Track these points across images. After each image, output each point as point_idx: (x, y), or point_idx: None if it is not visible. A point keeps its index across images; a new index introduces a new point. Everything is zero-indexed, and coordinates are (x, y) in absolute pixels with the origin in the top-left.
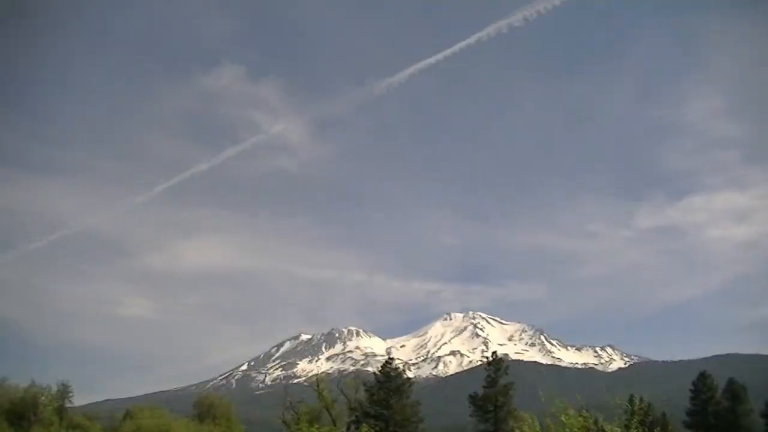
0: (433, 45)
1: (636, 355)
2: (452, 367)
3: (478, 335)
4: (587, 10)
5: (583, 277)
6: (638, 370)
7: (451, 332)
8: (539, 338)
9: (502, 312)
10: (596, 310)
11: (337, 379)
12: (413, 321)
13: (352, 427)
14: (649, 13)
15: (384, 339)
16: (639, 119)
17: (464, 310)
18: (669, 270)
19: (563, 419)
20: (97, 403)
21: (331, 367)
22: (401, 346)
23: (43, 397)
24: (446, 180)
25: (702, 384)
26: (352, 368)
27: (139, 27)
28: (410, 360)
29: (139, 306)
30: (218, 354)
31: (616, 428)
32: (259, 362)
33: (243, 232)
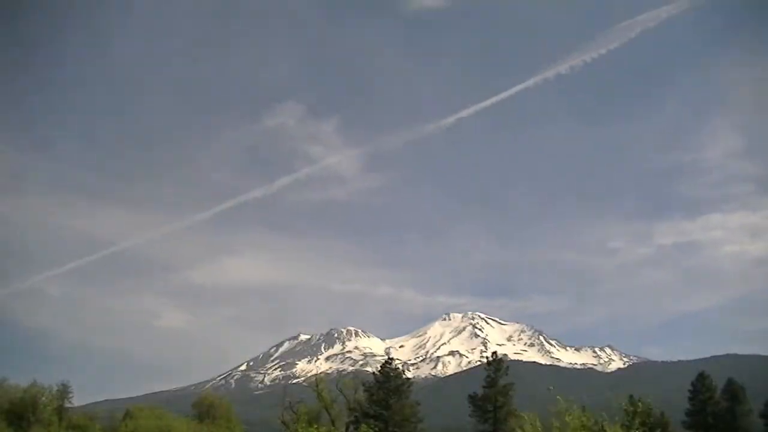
0: (482, 90)
1: (635, 356)
2: (451, 367)
3: (477, 335)
4: (624, 62)
5: (601, 290)
6: (637, 371)
7: (450, 332)
8: (538, 338)
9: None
10: (610, 321)
11: (336, 379)
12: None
13: (351, 427)
14: (678, 67)
15: (383, 339)
16: (662, 159)
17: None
18: (683, 283)
19: (566, 419)
20: (96, 403)
21: (330, 368)
22: (400, 347)
23: (43, 398)
24: (481, 204)
25: (701, 384)
26: (351, 368)
27: (208, 68)
28: (409, 360)
29: (175, 317)
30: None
31: (618, 428)
32: (258, 362)
33: (284, 252)
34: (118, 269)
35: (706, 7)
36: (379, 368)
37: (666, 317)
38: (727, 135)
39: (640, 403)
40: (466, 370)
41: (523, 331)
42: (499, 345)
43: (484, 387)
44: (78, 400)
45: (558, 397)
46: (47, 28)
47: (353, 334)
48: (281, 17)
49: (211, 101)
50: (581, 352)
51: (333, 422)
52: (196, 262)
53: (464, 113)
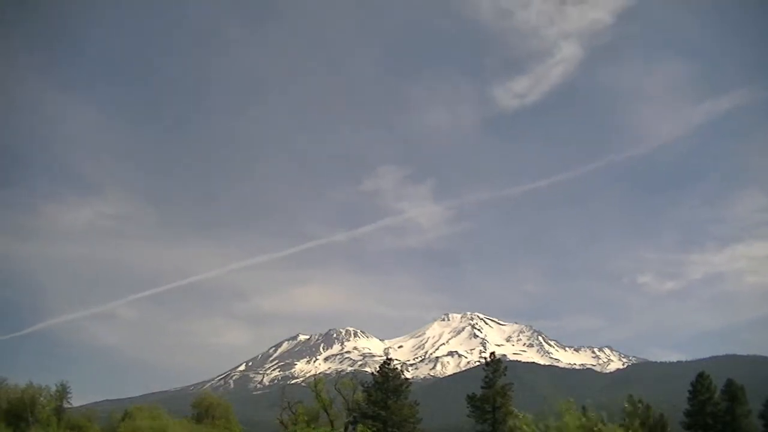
0: (557, 166)
1: (634, 356)
2: (450, 367)
3: (476, 336)
4: (682, 147)
5: (630, 315)
6: (636, 371)
7: (449, 333)
8: (537, 339)
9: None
10: (627, 338)
11: (335, 379)
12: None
13: (350, 427)
14: (712, 150)
15: (382, 339)
16: (698, 220)
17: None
18: (706, 310)
19: (565, 420)
20: (96, 403)
21: (329, 368)
22: (399, 347)
23: (42, 398)
24: (536, 243)
25: (700, 385)
26: (349, 369)
27: (316, 137)
28: (408, 360)
29: (236, 337)
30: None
31: (617, 428)
32: (257, 363)
33: (348, 284)
34: (194, 296)
35: (748, 106)
36: (378, 369)
37: (681, 335)
38: (754, 196)
39: (639, 404)
40: (465, 370)
41: (522, 332)
42: (498, 345)
43: (482, 387)
44: (78, 400)
45: (559, 400)
46: (179, 104)
47: (352, 335)
48: (387, 104)
49: (318, 168)
50: (580, 352)
51: (332, 423)
52: (267, 292)
53: (539, 183)
